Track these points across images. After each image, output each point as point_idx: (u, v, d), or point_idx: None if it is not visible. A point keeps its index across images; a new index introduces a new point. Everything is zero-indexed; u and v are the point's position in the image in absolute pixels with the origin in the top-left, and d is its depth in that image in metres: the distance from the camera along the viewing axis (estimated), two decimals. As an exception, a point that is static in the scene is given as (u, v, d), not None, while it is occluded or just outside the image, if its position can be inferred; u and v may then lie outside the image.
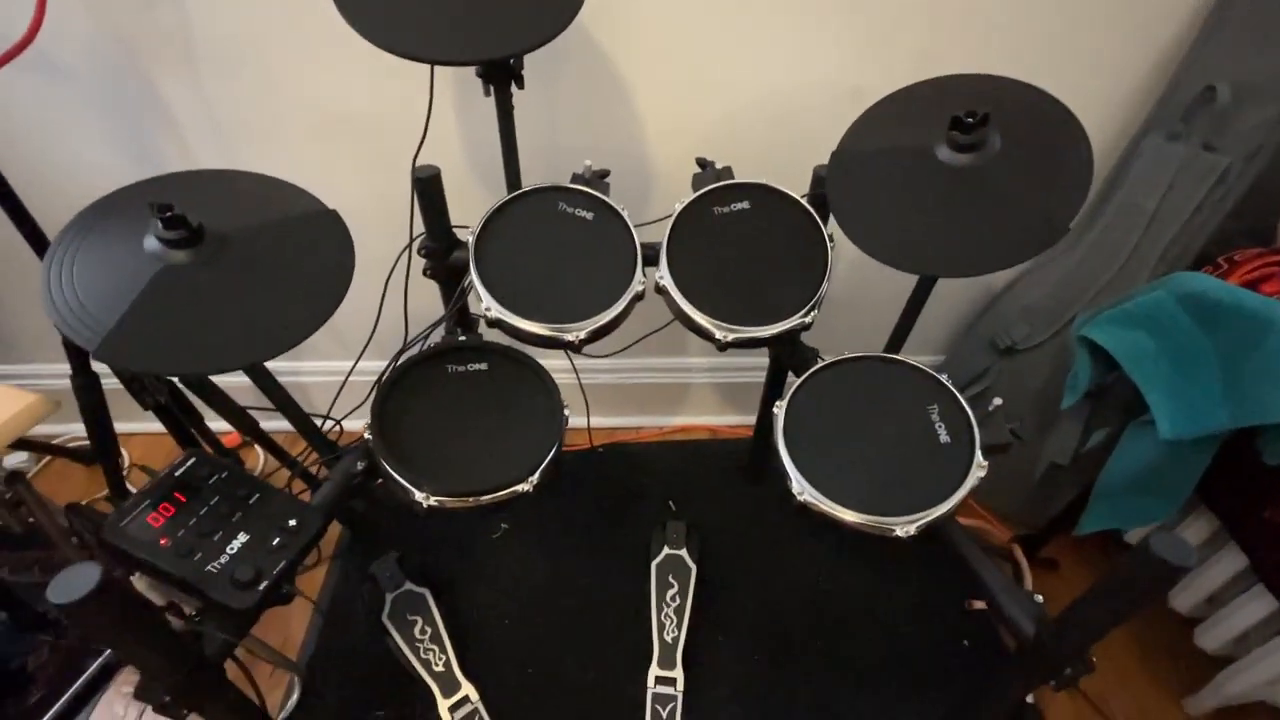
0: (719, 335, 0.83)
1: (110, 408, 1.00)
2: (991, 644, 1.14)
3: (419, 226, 0.93)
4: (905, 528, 0.70)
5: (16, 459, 1.37)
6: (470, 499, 0.73)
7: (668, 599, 1.13)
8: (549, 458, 0.78)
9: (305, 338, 0.64)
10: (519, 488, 0.75)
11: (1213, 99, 0.96)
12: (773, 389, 1.21)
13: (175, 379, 0.97)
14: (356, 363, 0.94)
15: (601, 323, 0.82)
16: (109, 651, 1.08)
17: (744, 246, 0.87)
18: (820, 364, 0.84)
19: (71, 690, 1.04)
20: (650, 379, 1.46)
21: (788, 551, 1.27)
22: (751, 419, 1.49)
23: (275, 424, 1.11)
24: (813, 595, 1.20)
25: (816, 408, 0.80)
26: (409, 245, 0.94)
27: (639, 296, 0.86)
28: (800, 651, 1.12)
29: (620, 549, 1.25)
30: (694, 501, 1.35)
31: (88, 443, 0.99)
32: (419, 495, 0.72)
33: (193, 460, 0.71)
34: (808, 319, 0.84)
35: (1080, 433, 1.09)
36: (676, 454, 1.46)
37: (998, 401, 0.73)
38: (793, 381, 0.84)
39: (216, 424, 1.10)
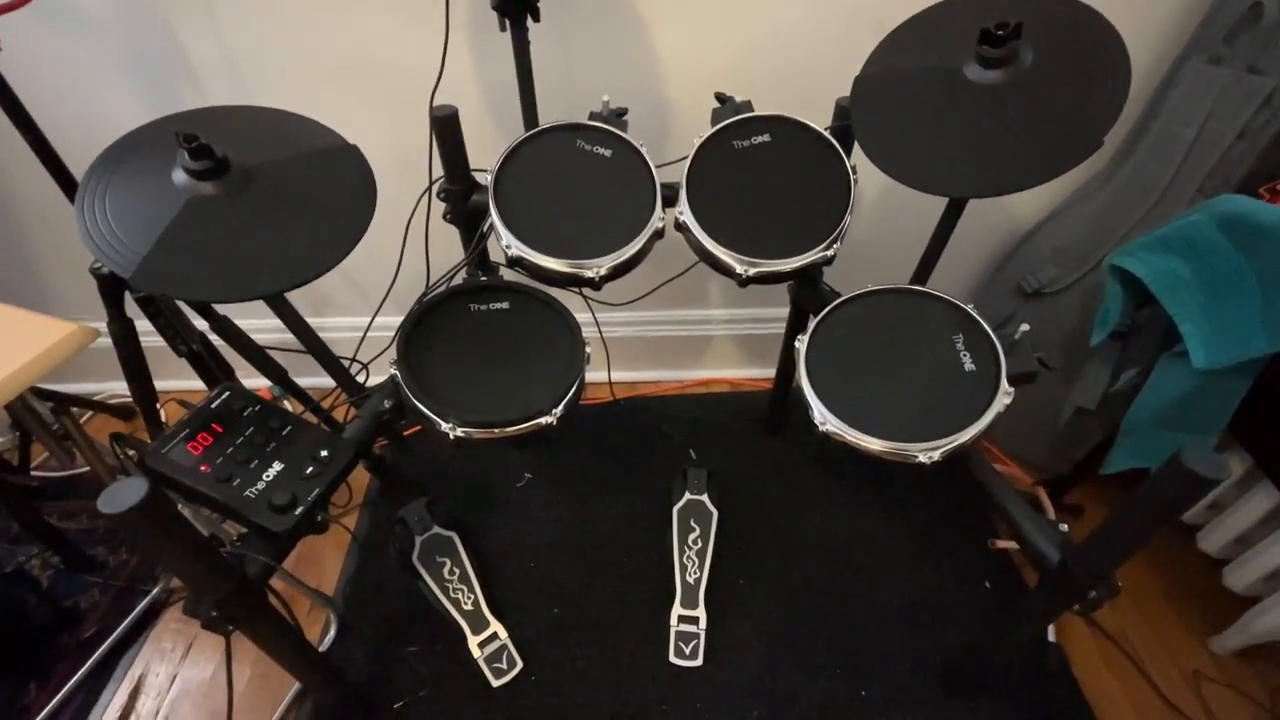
0: (740, 270, 0.82)
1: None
2: (1013, 584, 1.14)
3: (438, 171, 0.94)
4: (928, 454, 0.70)
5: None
6: (495, 430, 0.74)
7: (689, 542, 1.15)
8: (571, 391, 0.79)
9: (330, 267, 0.65)
10: (542, 420, 0.76)
11: (1259, 17, 0.92)
12: (793, 336, 1.21)
13: (207, 325, 0.99)
14: (379, 309, 0.95)
15: (622, 259, 0.82)
16: (156, 590, 1.14)
17: (765, 180, 0.85)
18: (843, 297, 0.83)
19: (121, 627, 1.10)
20: (670, 331, 1.46)
21: (808, 498, 1.27)
22: (772, 372, 1.50)
23: (304, 380, 1.14)
24: (833, 540, 1.21)
25: (839, 340, 0.80)
26: (428, 189, 0.94)
27: (659, 233, 0.85)
28: (820, 593, 1.13)
29: (642, 496, 1.27)
30: (714, 451, 1.35)
31: (127, 399, 1.03)
32: (445, 426, 0.74)
33: (227, 394, 0.73)
34: (830, 252, 0.83)
35: (1108, 375, 1.07)
36: (697, 406, 1.47)
37: (1025, 328, 0.72)
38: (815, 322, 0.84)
39: (251, 380, 1.13)
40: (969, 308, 0.77)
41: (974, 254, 1.35)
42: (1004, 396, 0.70)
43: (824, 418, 0.74)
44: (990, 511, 1.25)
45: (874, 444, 0.72)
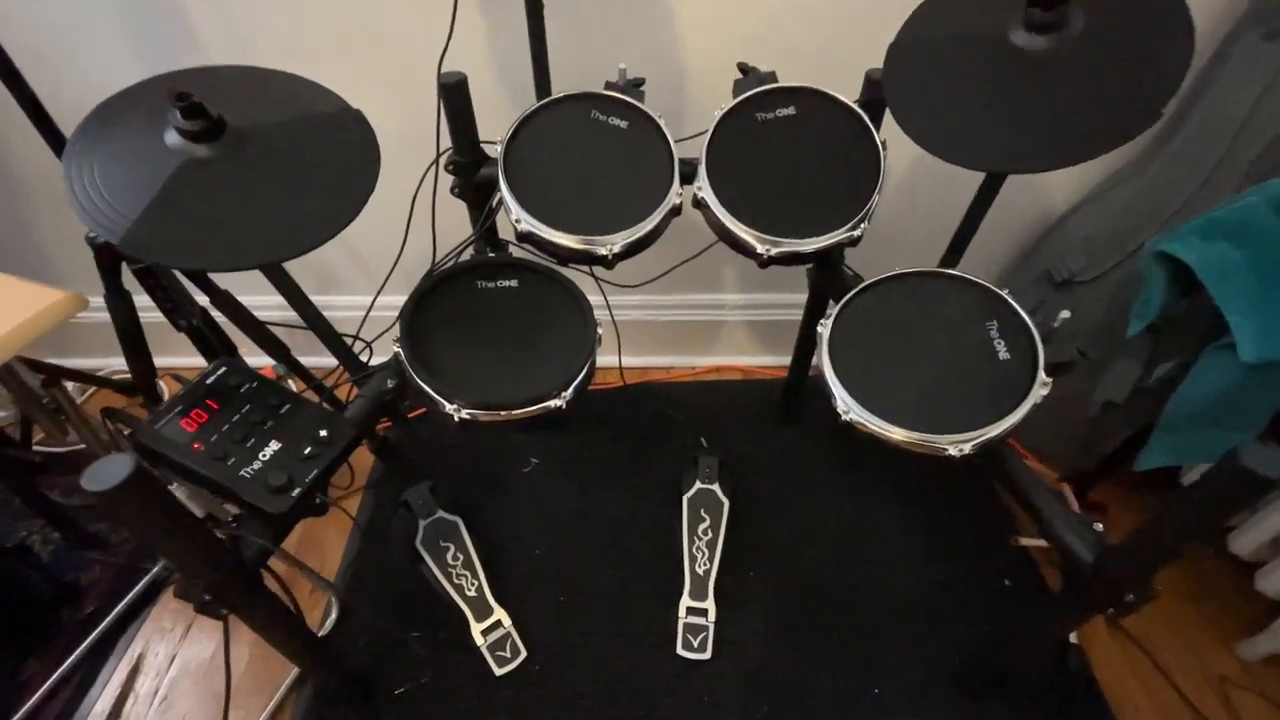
0: (760, 249, 0.78)
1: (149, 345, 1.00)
2: (1033, 582, 1.11)
3: (446, 142, 0.90)
4: (959, 446, 0.66)
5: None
6: (502, 413, 0.71)
7: (699, 532, 1.12)
8: (582, 374, 0.75)
9: (329, 236, 0.61)
10: (551, 403, 0.72)
11: (1322, -11, 0.86)
12: (811, 323, 1.17)
13: (208, 300, 0.96)
14: (383, 286, 0.92)
15: (636, 236, 0.78)
16: (157, 568, 1.12)
17: (789, 155, 0.81)
18: (870, 281, 0.79)
19: (121, 605, 1.08)
20: (683, 316, 1.42)
21: (822, 490, 1.24)
22: (786, 360, 1.46)
23: (308, 360, 1.11)
24: (847, 532, 1.17)
25: (864, 325, 0.76)
26: (435, 161, 0.90)
27: (675, 210, 0.81)
28: (833, 586, 1.10)
29: (651, 483, 1.24)
30: (726, 440, 1.32)
31: (128, 375, 1.00)
32: (449, 407, 0.70)
33: (224, 369, 0.70)
34: (857, 232, 0.79)
35: (1139, 368, 1.02)
36: (708, 393, 1.43)
37: (1065, 315, 0.68)
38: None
39: (255, 359, 1.11)
40: (1004, 293, 0.73)
41: (1001, 240, 1.30)
42: (1041, 388, 0.66)
43: (847, 406, 0.70)
44: (1012, 507, 1.21)
45: (900, 435, 0.68)
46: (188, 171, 0.59)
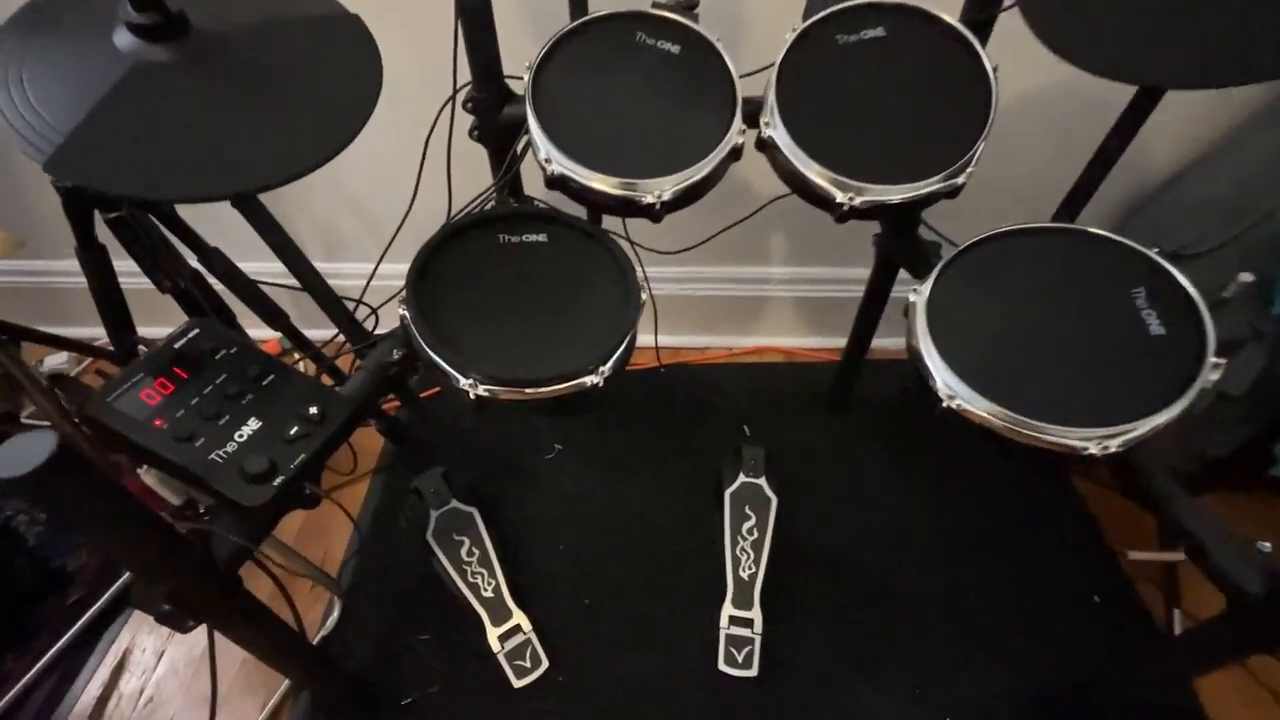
0: (841, 198, 0.64)
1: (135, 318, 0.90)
2: (1126, 599, 0.96)
3: (464, 76, 0.77)
4: (1103, 444, 0.52)
5: (57, 360, 1.31)
6: (527, 390, 0.59)
7: (744, 532, 0.99)
8: (623, 346, 0.62)
9: (317, 164, 0.49)
10: (586, 380, 0.60)
11: None
12: (877, 298, 1.03)
13: (196, 260, 0.85)
14: (390, 244, 0.80)
15: (690, 181, 0.65)
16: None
17: (877, 86, 0.67)
18: (976, 239, 0.65)
19: (110, 591, 0.99)
20: (722, 291, 1.28)
21: (880, 486, 1.10)
22: (836, 341, 1.32)
23: (313, 334, 1.00)
24: (910, 535, 1.04)
25: (969, 293, 0.62)
26: (452, 98, 0.77)
27: (736, 153, 0.68)
28: (896, 597, 0.97)
29: (688, 476, 1.11)
30: (770, 429, 1.19)
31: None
32: (464, 382, 0.58)
33: (196, 331, 0.59)
34: (960, 179, 0.64)
35: (1264, 357, 0.87)
36: (749, 377, 1.30)
37: (1246, 278, 0.53)
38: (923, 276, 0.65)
39: (257, 332, 1.00)
40: (1153, 252, 0.58)
41: (1089, 210, 1.14)
42: (1211, 371, 0.52)
43: (952, 391, 0.57)
44: (1099, 509, 1.07)
45: (1028, 430, 0.54)
46: (139, 78, 0.47)
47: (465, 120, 0.79)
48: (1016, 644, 0.92)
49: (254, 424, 0.55)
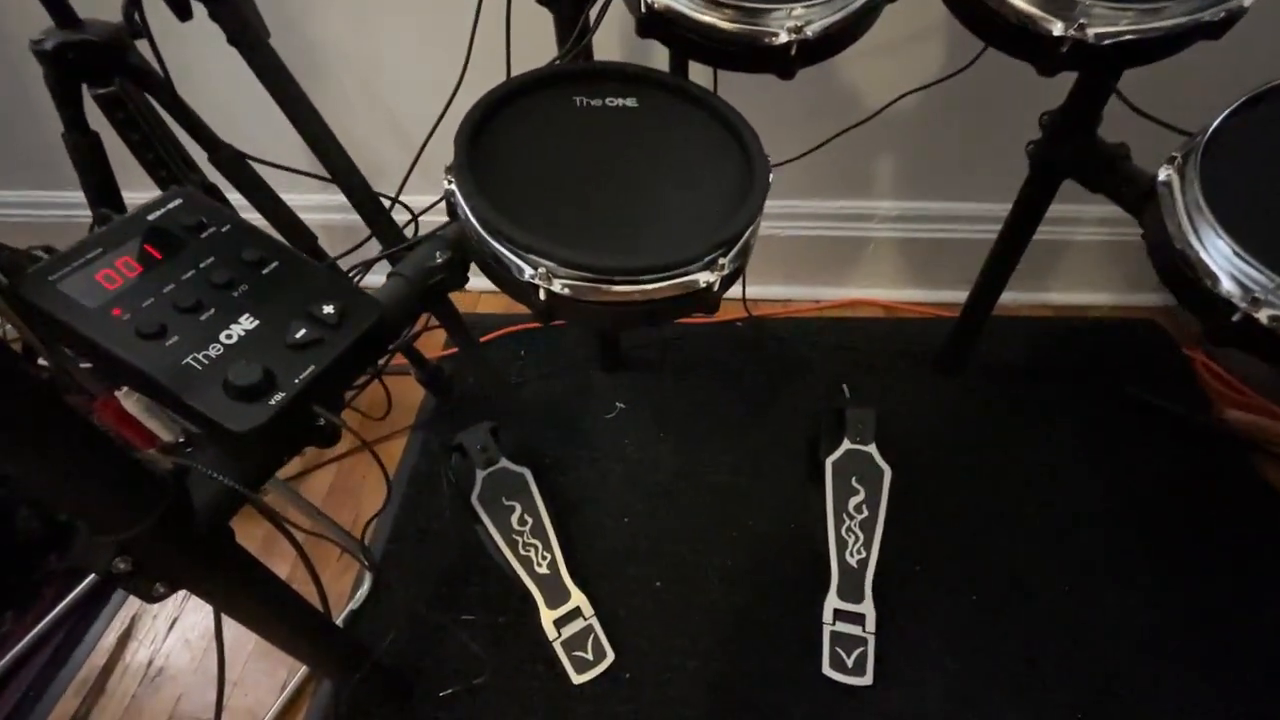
0: (1059, 29, 0.45)
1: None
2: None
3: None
4: None
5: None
6: (618, 285, 0.42)
7: (850, 509, 0.81)
8: (747, 232, 0.45)
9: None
10: (699, 276, 0.43)
11: None
12: (1015, 235, 0.83)
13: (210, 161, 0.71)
14: (439, 123, 0.64)
15: (840, 13, 0.47)
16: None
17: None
18: (1256, 91, 0.45)
19: (119, 553, 0.88)
20: (812, 229, 1.09)
21: (1014, 463, 0.91)
22: (944, 295, 1.12)
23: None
24: (1053, 517, 0.85)
25: (1258, 162, 0.42)
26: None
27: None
28: (1039, 593, 0.78)
29: (774, 441, 0.94)
30: (870, 392, 1.00)
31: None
32: (533, 274, 0.42)
33: (179, 201, 0.44)
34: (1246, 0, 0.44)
35: None
36: (842, 332, 1.11)
37: None
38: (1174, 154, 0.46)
39: None
40: None
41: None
42: None
43: (1265, 293, 0.38)
44: None
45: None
46: None
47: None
48: (1212, 659, 0.72)
49: (248, 322, 0.40)
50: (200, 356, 0.38)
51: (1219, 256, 0.39)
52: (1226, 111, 0.44)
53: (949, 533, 0.84)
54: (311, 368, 0.40)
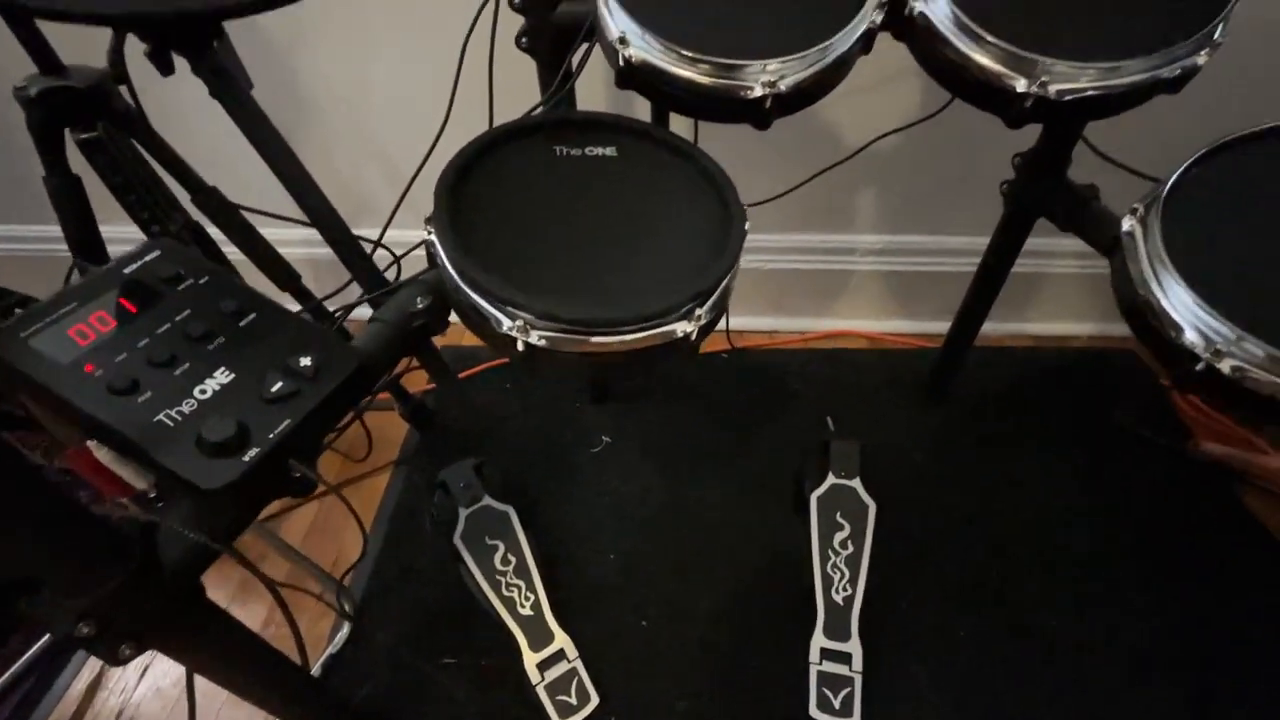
0: (1022, 85, 0.47)
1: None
2: (1339, 648, 0.76)
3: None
4: None
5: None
6: (596, 336, 0.42)
7: (835, 545, 0.81)
8: (724, 283, 0.46)
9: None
10: (676, 326, 0.43)
11: None
12: (994, 269, 0.84)
13: (194, 205, 0.71)
14: (419, 170, 0.65)
15: (817, 66, 0.48)
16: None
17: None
18: (1209, 147, 0.46)
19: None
20: (796, 263, 1.11)
21: (1001, 496, 0.91)
22: (927, 326, 1.13)
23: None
24: (1043, 550, 0.85)
25: (1219, 212, 0.44)
26: (496, -8, 0.62)
27: (867, 40, 0.51)
28: (1030, 628, 0.78)
29: (761, 475, 0.94)
30: (855, 424, 1.01)
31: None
32: (511, 326, 0.42)
33: (157, 253, 0.44)
34: (1200, 58, 0.46)
35: None
36: (827, 364, 1.12)
37: None
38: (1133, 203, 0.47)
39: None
40: None
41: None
42: None
43: (1224, 341, 0.38)
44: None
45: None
46: None
47: (510, 27, 0.64)
48: (1205, 693, 0.72)
49: (224, 376, 0.40)
50: (173, 412, 0.38)
51: (1182, 308, 0.40)
52: (1187, 163, 0.46)
53: (935, 567, 0.84)
54: (287, 421, 0.39)
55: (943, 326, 0.98)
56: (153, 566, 0.37)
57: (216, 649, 0.44)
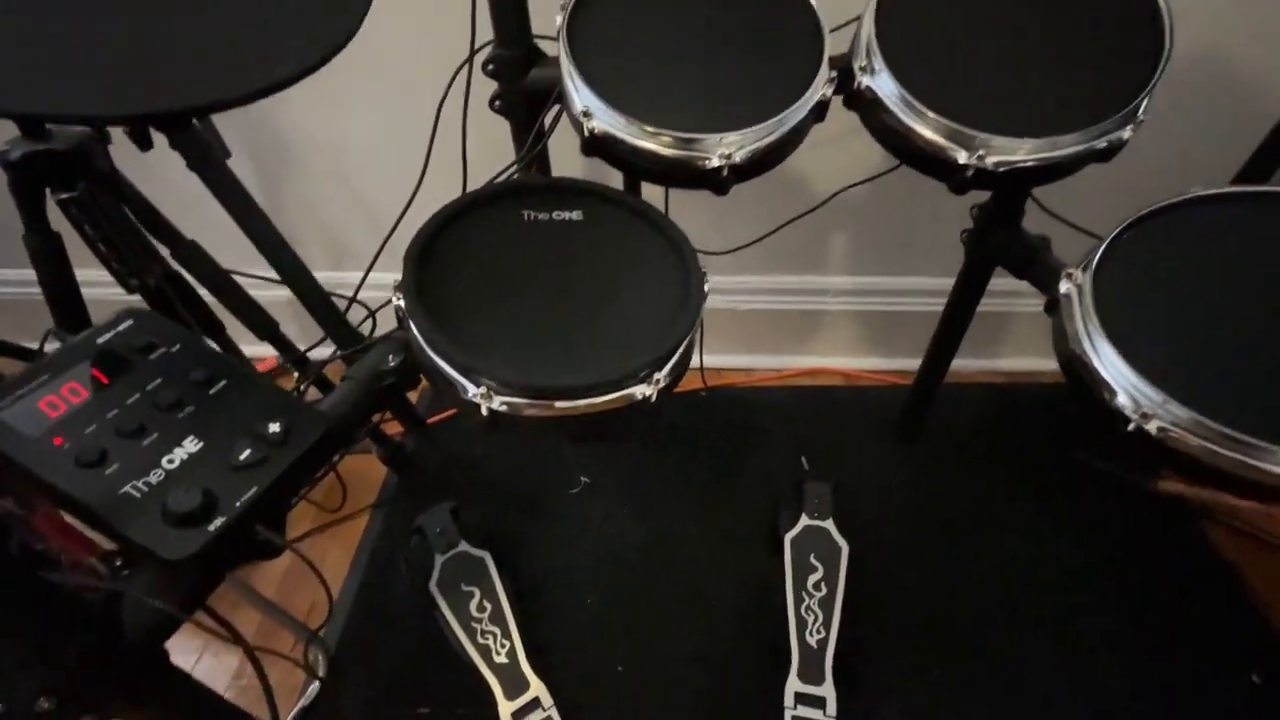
0: (964, 158, 0.49)
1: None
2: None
3: (484, 34, 0.65)
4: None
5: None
6: (559, 403, 0.44)
7: (809, 587, 0.82)
8: (681, 349, 0.47)
9: (286, 82, 0.36)
10: (635, 390, 0.45)
11: None
12: (959, 311, 0.87)
13: (174, 260, 0.72)
14: (395, 227, 0.67)
15: (768, 139, 0.51)
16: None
17: (1007, 16, 0.53)
18: (1147, 209, 0.49)
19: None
20: (772, 304, 1.13)
21: (972, 533, 0.93)
22: (902, 363, 1.16)
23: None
24: (1014, 592, 0.86)
25: (1150, 276, 0.46)
26: (469, 59, 0.65)
27: (820, 110, 0.54)
28: (1001, 671, 0.79)
29: (738, 517, 0.95)
30: (832, 461, 1.02)
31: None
32: (474, 392, 0.43)
33: (130, 322, 0.45)
34: (1125, 132, 0.49)
35: None
36: (803, 401, 1.14)
37: None
38: (1089, 248, 0.50)
39: (253, 348, 0.87)
40: None
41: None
42: None
43: (1150, 405, 0.41)
44: (1241, 561, 0.88)
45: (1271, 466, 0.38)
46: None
47: (483, 91, 0.67)
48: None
49: (192, 445, 0.41)
50: (140, 483, 0.38)
51: (1114, 371, 0.42)
52: (1118, 229, 0.49)
53: (908, 607, 0.85)
54: (254, 489, 0.40)
55: (917, 363, 1.00)
56: (116, 636, 0.38)
57: (181, 716, 0.44)
